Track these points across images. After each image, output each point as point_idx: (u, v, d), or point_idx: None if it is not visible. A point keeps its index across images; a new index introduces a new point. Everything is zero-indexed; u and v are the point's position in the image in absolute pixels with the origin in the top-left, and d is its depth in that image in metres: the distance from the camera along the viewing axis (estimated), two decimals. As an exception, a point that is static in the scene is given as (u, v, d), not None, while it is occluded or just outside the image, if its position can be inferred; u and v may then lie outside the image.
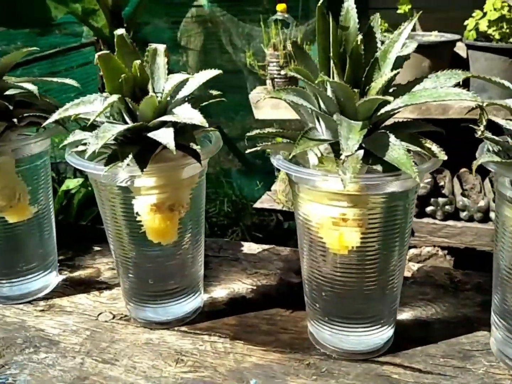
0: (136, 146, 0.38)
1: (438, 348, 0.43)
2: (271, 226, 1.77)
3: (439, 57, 1.45)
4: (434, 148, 0.37)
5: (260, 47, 1.84)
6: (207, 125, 0.36)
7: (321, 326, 0.43)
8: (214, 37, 2.00)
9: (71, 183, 1.27)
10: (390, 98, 0.34)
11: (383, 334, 0.43)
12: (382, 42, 0.39)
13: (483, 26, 1.40)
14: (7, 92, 0.44)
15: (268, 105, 1.55)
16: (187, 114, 0.37)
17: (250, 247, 0.59)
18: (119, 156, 0.38)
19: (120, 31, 0.39)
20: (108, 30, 1.73)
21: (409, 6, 1.59)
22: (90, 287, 0.53)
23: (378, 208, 0.39)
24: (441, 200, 1.34)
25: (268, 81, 1.68)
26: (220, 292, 0.51)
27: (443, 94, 0.35)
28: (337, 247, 0.40)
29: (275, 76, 1.67)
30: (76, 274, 0.55)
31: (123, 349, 0.44)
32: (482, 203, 1.34)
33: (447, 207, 1.36)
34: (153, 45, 0.39)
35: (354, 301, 0.42)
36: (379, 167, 0.37)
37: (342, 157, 0.33)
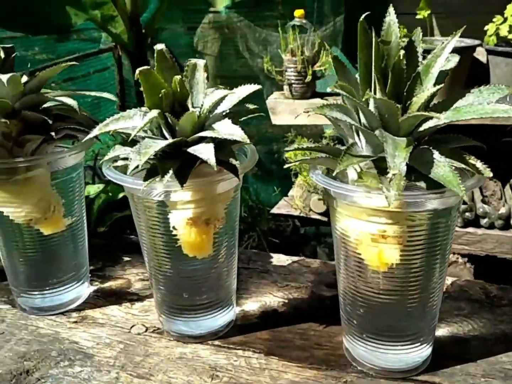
0: (176, 161, 0.38)
1: (478, 367, 0.42)
2: (287, 232, 1.76)
3: (459, 63, 1.43)
4: (479, 165, 0.36)
5: (276, 52, 1.84)
6: (248, 141, 0.36)
7: (357, 342, 0.43)
8: (230, 42, 2.00)
9: (92, 189, 1.27)
10: (439, 115, 0.34)
11: (422, 352, 0.42)
12: (424, 57, 0.38)
13: (503, 31, 1.38)
14: (44, 105, 0.44)
15: (286, 111, 1.55)
16: (228, 129, 0.37)
17: (279, 259, 0.59)
18: (159, 171, 0.37)
19: (160, 46, 0.39)
20: (126, 36, 1.74)
21: (429, 11, 1.58)
22: (122, 299, 0.53)
23: (419, 225, 0.38)
24: (461, 206, 1.33)
25: (286, 87, 1.68)
26: (252, 305, 0.51)
27: (490, 111, 0.34)
28: (376, 264, 0.40)
29: (293, 81, 1.66)
30: (107, 285, 0.55)
31: (157, 364, 0.44)
32: (503, 210, 1.32)
33: (467, 214, 1.34)
34: (193, 60, 0.39)
35: (394, 318, 0.41)
36: (422, 184, 0.36)
37: (389, 175, 0.33)
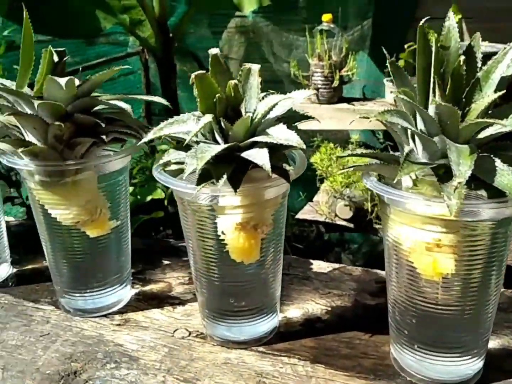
0: (229, 166, 0.38)
1: (533, 382, 0.41)
2: (311, 237, 1.75)
3: None
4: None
5: (302, 57, 1.84)
6: (304, 146, 0.36)
7: (407, 352, 0.42)
8: (255, 47, 2.01)
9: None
10: (504, 123, 0.33)
11: (474, 365, 0.41)
12: (484, 63, 0.38)
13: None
14: (95, 108, 0.44)
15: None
16: (284, 135, 0.36)
17: (319, 266, 0.58)
18: (213, 175, 0.37)
19: (215, 50, 0.39)
20: (153, 40, 1.76)
21: (459, 16, 1.56)
22: (163, 302, 0.53)
23: (477, 235, 0.37)
24: None
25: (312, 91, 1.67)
26: (294, 312, 0.51)
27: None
28: (430, 273, 0.39)
29: (320, 86, 1.66)
30: (148, 288, 0.55)
31: (203, 368, 0.44)
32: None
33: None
34: (248, 65, 0.39)
35: (447, 329, 0.40)
36: (483, 192, 0.35)
37: (454, 183, 0.32)
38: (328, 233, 1.69)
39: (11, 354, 0.46)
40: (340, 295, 0.53)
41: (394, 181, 0.35)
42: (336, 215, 1.53)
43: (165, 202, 1.47)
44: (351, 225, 1.54)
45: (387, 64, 0.39)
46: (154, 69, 1.88)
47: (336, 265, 0.58)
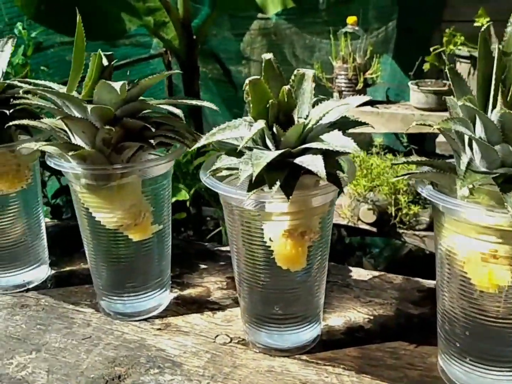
0: (282, 172, 0.37)
1: None
2: (332, 241, 1.74)
3: None
4: None
5: (324, 59, 1.83)
6: (360, 152, 0.35)
7: (457, 365, 0.41)
8: (277, 49, 2.00)
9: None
10: None
11: (528, 380, 0.40)
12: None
13: None
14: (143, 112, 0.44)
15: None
16: (340, 141, 0.36)
17: (359, 273, 0.57)
18: (266, 182, 0.37)
19: (268, 55, 0.38)
20: (177, 41, 1.77)
21: (487, 19, 1.53)
22: (203, 307, 0.52)
23: (538, 246, 0.36)
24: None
25: (336, 94, 1.67)
26: (336, 320, 0.50)
27: None
28: (485, 285, 0.38)
29: (343, 89, 1.65)
30: (186, 292, 0.55)
31: (247, 376, 0.43)
32: None
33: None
34: (301, 70, 0.39)
35: (503, 344, 0.39)
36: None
37: (523, 194, 0.31)
38: (350, 236, 1.67)
39: (55, 357, 0.46)
40: (381, 304, 0.52)
41: (459, 192, 0.34)
42: (359, 219, 1.52)
43: (188, 203, 1.48)
44: (374, 229, 1.52)
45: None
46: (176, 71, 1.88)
47: (376, 273, 0.57)
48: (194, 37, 1.76)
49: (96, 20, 1.64)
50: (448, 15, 1.67)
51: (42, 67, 1.46)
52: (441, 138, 1.25)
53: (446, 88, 1.49)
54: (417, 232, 1.50)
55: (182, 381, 0.43)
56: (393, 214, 1.48)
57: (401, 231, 1.50)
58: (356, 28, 1.62)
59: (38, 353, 0.47)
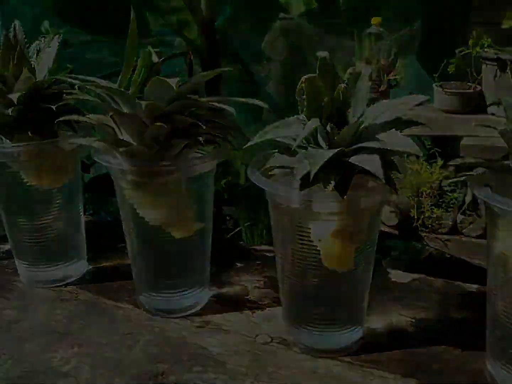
0: (337, 171, 0.37)
1: None
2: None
3: None
4: None
5: (346, 60, 1.81)
6: (421, 154, 0.34)
7: (511, 372, 0.40)
8: (298, 49, 1.99)
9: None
10: None
11: None
12: None
13: None
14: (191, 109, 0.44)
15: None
16: (399, 141, 0.35)
17: (398, 275, 0.56)
18: (321, 181, 0.37)
19: (324, 53, 0.38)
20: (199, 41, 1.77)
21: (516, 22, 1.51)
22: (241, 306, 0.52)
23: None
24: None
25: (358, 95, 1.65)
26: (378, 323, 0.49)
27: None
28: (542, 290, 0.37)
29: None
30: (224, 290, 0.55)
31: (291, 376, 0.43)
32: None
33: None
34: (357, 69, 0.38)
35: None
36: None
37: None
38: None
39: (97, 352, 0.46)
40: (423, 307, 0.51)
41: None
42: (381, 221, 1.50)
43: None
44: (396, 232, 1.51)
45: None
46: (199, 71, 1.89)
47: (416, 275, 0.56)
48: (217, 37, 1.76)
49: (121, 19, 1.65)
50: (475, 17, 1.65)
51: (68, 65, 1.47)
52: (466, 141, 1.23)
53: (471, 90, 1.47)
54: (439, 236, 1.48)
55: (226, 379, 0.43)
56: (416, 217, 1.46)
57: (423, 234, 1.48)
58: (381, 29, 1.60)
59: (80, 347, 0.47)
